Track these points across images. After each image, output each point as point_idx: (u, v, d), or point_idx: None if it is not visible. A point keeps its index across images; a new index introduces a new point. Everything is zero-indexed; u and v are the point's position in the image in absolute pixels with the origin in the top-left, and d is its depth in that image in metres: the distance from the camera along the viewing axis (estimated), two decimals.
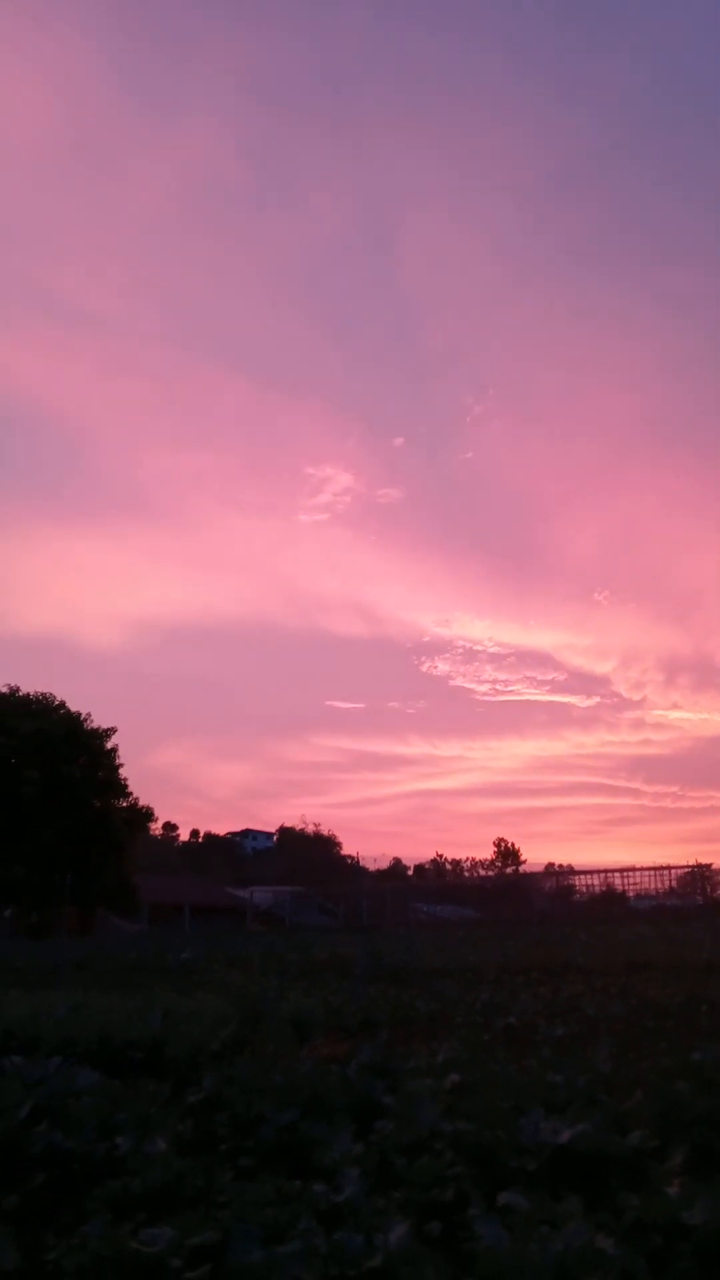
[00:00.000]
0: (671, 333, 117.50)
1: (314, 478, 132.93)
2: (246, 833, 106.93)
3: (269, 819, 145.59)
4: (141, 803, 44.98)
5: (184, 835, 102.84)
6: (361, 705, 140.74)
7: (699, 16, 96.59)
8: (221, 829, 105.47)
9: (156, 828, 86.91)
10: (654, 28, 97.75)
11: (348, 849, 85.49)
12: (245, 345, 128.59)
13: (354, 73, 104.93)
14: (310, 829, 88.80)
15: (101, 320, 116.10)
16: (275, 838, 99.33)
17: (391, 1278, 2.87)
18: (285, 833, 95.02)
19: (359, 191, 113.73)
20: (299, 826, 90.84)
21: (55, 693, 43.90)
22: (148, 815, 46.51)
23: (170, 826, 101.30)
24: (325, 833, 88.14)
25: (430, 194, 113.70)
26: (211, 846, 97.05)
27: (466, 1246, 3.23)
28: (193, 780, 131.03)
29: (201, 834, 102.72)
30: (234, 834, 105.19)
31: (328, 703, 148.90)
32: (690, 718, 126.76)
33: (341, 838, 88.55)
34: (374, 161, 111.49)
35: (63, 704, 43.49)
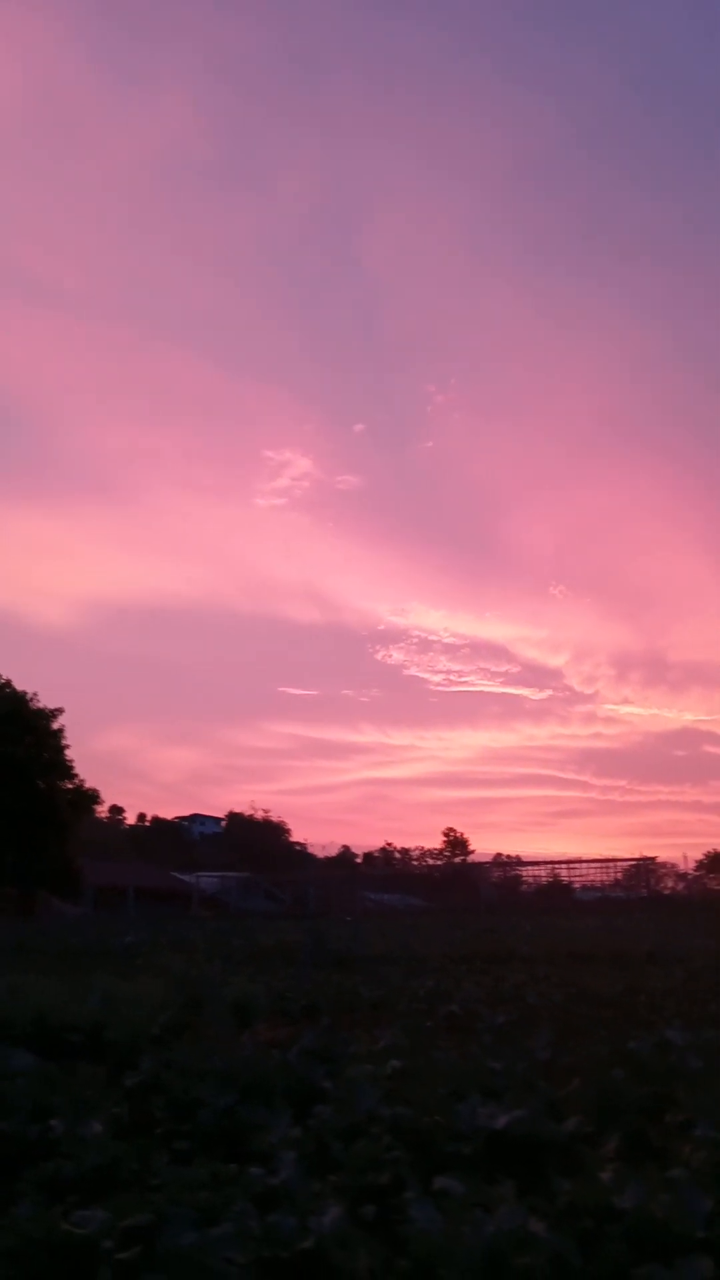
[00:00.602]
0: (634, 332, 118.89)
1: (273, 461, 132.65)
2: (194, 818, 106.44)
3: (218, 804, 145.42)
4: (88, 785, 44.61)
5: (131, 819, 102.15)
6: (315, 692, 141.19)
7: (670, 16, 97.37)
8: (169, 813, 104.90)
9: (103, 810, 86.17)
10: (625, 26, 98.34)
11: (297, 836, 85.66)
12: (207, 325, 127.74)
13: (324, 58, 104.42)
14: (259, 815, 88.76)
15: (60, 294, 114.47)
16: (224, 823, 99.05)
17: (324, 1259, 2.87)
18: (234, 819, 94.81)
19: (326, 176, 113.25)
20: (248, 812, 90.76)
21: (1, 671, 43.34)
22: (93, 797, 46.13)
23: (117, 810, 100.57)
24: (274, 819, 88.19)
25: (398, 182, 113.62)
26: (159, 831, 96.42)
27: (400, 1229, 3.24)
28: (141, 764, 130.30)
29: (149, 818, 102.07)
30: (182, 819, 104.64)
31: (280, 689, 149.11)
32: (640, 713, 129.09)
33: (291, 825, 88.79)
34: (342, 147, 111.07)
35: (9, 683, 42.92)
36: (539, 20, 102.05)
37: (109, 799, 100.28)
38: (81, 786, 43.97)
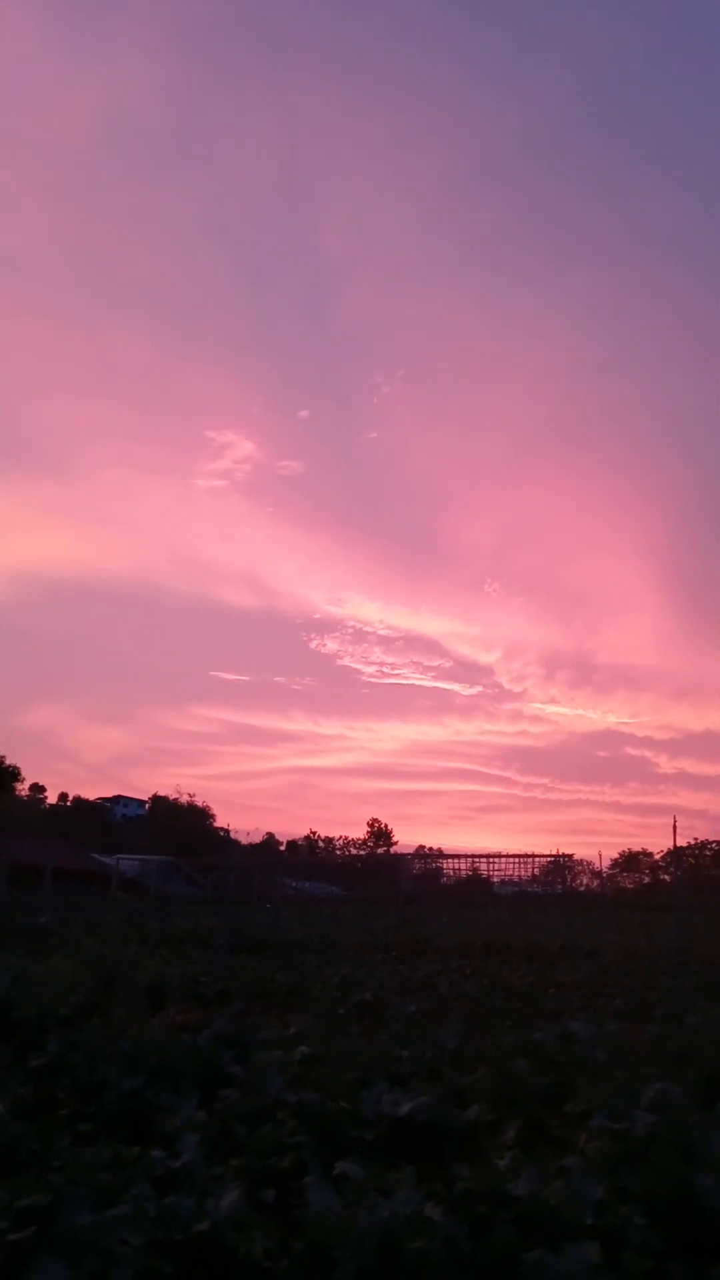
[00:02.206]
0: (576, 336, 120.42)
1: (214, 442, 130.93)
2: (118, 799, 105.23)
3: (142, 787, 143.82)
4: (8, 761, 43.74)
5: (52, 798, 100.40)
6: (246, 678, 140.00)
7: (620, 27, 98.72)
8: (92, 794, 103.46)
9: (22, 788, 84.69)
10: (577, 36, 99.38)
11: (221, 821, 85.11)
12: (153, 298, 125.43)
13: (282, 42, 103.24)
14: (184, 799, 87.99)
15: (2, 258, 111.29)
16: (147, 806, 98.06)
17: (220, 1241, 2.89)
18: (158, 802, 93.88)
19: (280, 158, 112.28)
20: (172, 796, 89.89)
21: None
22: (13, 774, 45.33)
23: (38, 788, 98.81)
24: (199, 804, 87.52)
25: (354, 169, 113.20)
26: (80, 811, 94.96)
27: (299, 1213, 3.27)
28: (65, 742, 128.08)
29: (70, 798, 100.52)
30: (105, 800, 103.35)
31: (212, 673, 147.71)
32: (566, 713, 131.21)
33: (216, 810, 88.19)
34: (297, 131, 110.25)
35: None
36: (494, 25, 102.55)
37: (30, 777, 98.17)
38: (1, 763, 43.11)
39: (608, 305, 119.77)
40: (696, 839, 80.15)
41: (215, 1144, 4.24)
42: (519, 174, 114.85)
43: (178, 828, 77.41)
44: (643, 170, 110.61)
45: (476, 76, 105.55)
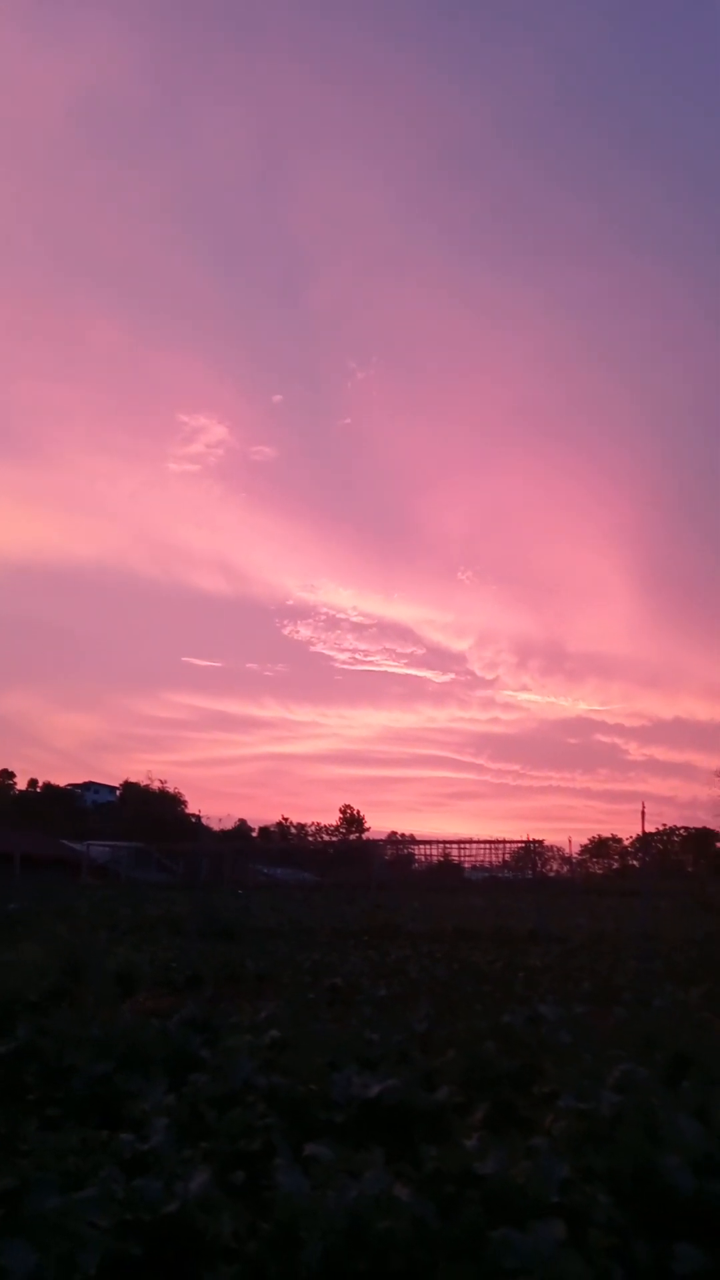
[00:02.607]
0: (550, 327, 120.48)
1: (187, 426, 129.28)
2: (88, 785, 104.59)
3: (113, 773, 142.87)
4: None
5: (21, 784, 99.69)
6: (219, 664, 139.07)
7: (594, 20, 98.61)
8: (62, 780, 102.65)
9: None
10: (551, 27, 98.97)
11: (193, 808, 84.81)
12: (125, 278, 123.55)
13: (258, 24, 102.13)
14: (155, 785, 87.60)
15: None
16: (118, 792, 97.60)
17: (188, 1222, 2.89)
18: (129, 788, 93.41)
19: (256, 141, 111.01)
20: (144, 782, 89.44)
21: None
22: None
23: (7, 774, 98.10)
24: (170, 790, 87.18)
25: (328, 155, 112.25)
26: (50, 798, 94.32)
27: (267, 1195, 3.28)
28: (35, 728, 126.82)
29: (40, 784, 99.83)
30: (75, 786, 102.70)
31: (184, 659, 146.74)
32: (537, 700, 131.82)
33: (188, 796, 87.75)
34: (272, 113, 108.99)
35: None
36: (469, 12, 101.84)
37: None
38: None
39: (580, 295, 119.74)
40: (665, 825, 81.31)
41: (185, 1128, 4.24)
42: (493, 162, 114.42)
43: (149, 814, 77.12)
44: (616, 160, 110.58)
45: (451, 64, 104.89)
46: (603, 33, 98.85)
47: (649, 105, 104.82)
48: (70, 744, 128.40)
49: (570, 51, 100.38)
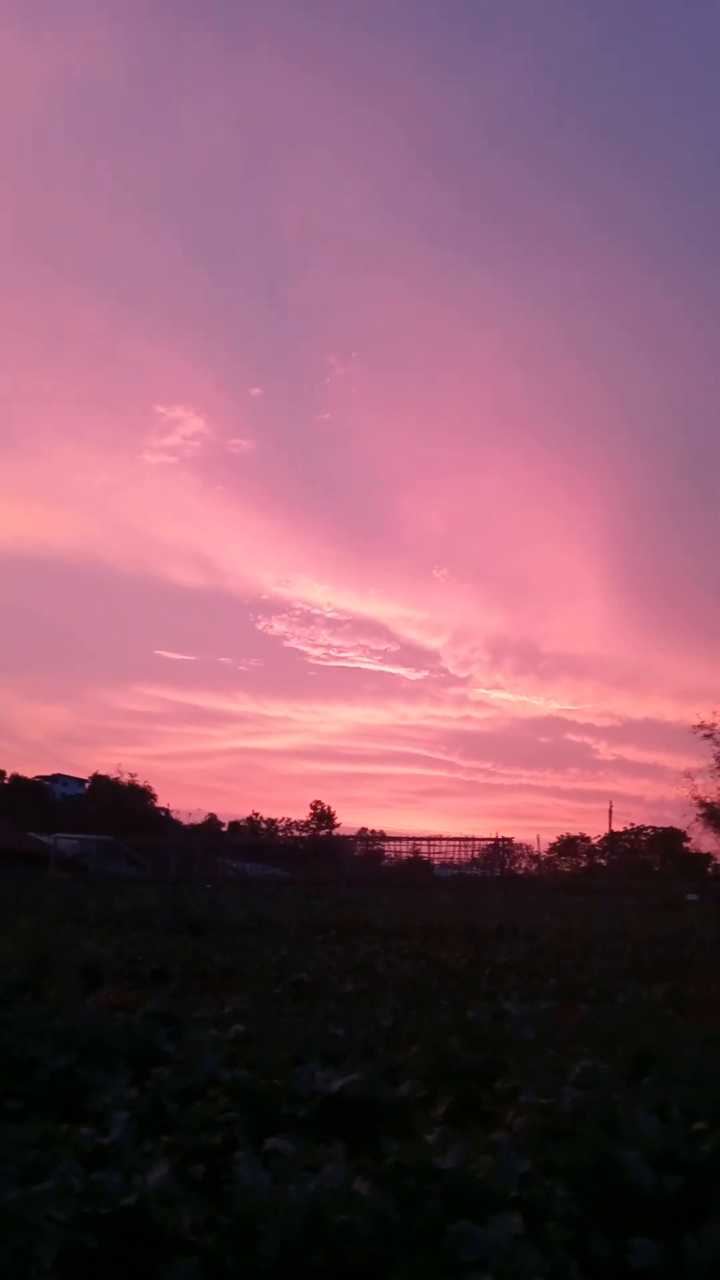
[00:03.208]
0: (529, 325, 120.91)
1: (164, 418, 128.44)
2: (57, 778, 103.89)
3: (83, 765, 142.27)
4: None
5: None
6: (192, 658, 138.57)
7: (578, 17, 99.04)
8: (31, 772, 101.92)
9: None
10: (535, 26, 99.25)
11: (163, 802, 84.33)
12: (105, 267, 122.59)
13: (242, 19, 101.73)
14: (125, 778, 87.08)
15: None
16: (87, 785, 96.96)
17: (146, 1215, 2.88)
18: (99, 781, 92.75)
19: (238, 135, 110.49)
20: (113, 775, 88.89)
21: None
22: None
23: None
24: (140, 783, 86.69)
25: (310, 150, 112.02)
26: (18, 790, 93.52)
27: (228, 1188, 3.27)
28: (3, 719, 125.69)
29: (8, 776, 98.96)
30: (44, 778, 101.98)
31: (156, 652, 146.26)
32: (509, 699, 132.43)
33: (158, 790, 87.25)
34: (256, 108, 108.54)
35: None
36: (451, 9, 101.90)
37: None
38: None
39: (560, 294, 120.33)
40: (632, 824, 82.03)
41: (146, 1121, 4.22)
42: (475, 160, 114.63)
43: (118, 807, 76.66)
44: (598, 158, 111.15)
45: (433, 61, 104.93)
46: (584, 32, 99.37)
47: (630, 104, 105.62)
48: (40, 736, 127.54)
49: (552, 51, 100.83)
